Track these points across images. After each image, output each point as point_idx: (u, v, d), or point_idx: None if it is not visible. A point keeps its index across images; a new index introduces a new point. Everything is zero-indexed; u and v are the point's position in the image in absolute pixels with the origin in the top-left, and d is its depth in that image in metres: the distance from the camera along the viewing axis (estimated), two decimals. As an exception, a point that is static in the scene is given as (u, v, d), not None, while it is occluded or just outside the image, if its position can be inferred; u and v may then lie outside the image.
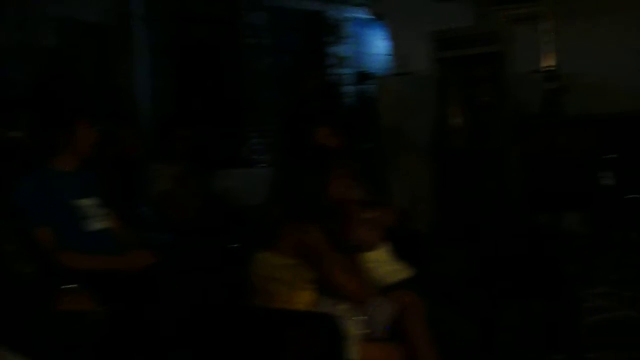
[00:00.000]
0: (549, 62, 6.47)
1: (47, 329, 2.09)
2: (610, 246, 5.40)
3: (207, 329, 2.32)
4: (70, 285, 2.41)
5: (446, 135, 6.02)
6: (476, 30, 6.13)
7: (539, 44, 6.53)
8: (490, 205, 5.58)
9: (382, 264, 3.16)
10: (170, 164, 4.26)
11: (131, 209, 3.98)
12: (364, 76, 7.64)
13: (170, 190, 4.12)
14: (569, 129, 5.94)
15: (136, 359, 2.08)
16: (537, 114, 6.20)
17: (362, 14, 8.49)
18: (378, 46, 8.28)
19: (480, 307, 3.53)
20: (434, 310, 2.90)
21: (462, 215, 5.66)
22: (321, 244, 2.64)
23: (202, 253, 3.47)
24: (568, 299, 3.99)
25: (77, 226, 2.92)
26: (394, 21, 7.62)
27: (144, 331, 2.07)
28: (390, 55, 7.73)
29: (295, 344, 2.47)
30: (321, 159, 2.79)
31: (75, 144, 3.04)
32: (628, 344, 3.59)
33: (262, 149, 7.19)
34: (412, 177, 6.03)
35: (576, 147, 5.73)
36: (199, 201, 4.25)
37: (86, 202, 3.00)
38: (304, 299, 2.71)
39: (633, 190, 5.44)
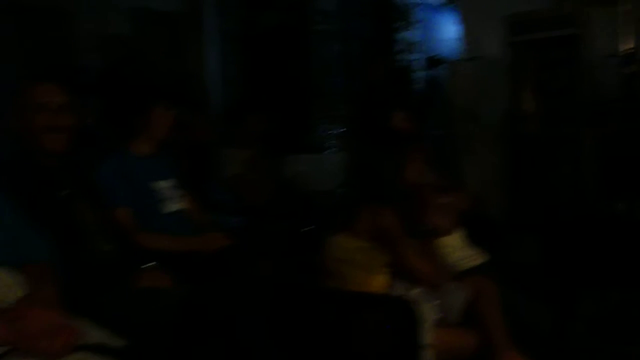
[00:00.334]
0: (627, 45, 6.25)
1: (127, 305, 2.14)
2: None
3: (281, 312, 2.34)
4: (148, 264, 2.47)
5: (520, 120, 5.90)
6: (552, 13, 5.96)
7: (617, 26, 6.31)
8: (565, 192, 5.45)
9: (456, 249, 3.13)
10: (242, 149, 4.31)
11: (203, 193, 4.05)
12: (434, 61, 7.54)
13: (243, 174, 4.17)
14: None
15: (211, 338, 2.10)
16: (615, 98, 6.00)
17: (431, -2, 8.39)
18: (448, 31, 8.16)
19: (555, 295, 3.46)
20: (508, 297, 2.86)
21: (536, 202, 5.54)
22: (396, 227, 2.63)
23: (275, 236, 3.50)
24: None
25: (154, 208, 2.98)
26: (465, 5, 7.48)
27: (220, 311, 2.09)
28: (461, 39, 7.62)
29: (370, 327, 2.48)
30: (397, 142, 2.78)
31: (152, 128, 3.10)
32: None
33: (331, 135, 7.20)
34: (485, 163, 5.93)
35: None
36: (271, 185, 4.29)
37: (163, 185, 3.06)
38: (378, 282, 2.71)
39: None
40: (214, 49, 8.20)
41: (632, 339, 3.41)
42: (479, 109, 6.14)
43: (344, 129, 6.99)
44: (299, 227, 3.70)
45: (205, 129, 4.74)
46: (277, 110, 6.41)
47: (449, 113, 6.45)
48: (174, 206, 3.06)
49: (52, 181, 2.32)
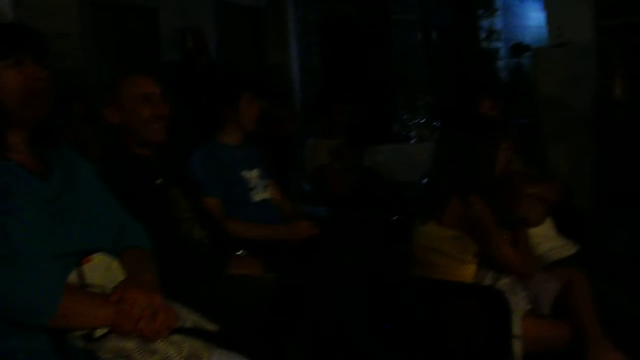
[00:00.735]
0: None
1: (219, 292, 2.19)
2: None
3: (372, 300, 2.35)
4: (240, 252, 2.52)
5: (610, 108, 5.70)
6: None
7: None
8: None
9: (547, 239, 3.06)
10: (327, 139, 4.33)
11: (288, 183, 4.10)
12: (519, 48, 7.38)
13: (327, 164, 4.19)
14: None
15: (302, 325, 2.14)
16: None
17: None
18: (532, 18, 7.96)
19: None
20: (599, 288, 2.79)
21: (627, 190, 5.35)
22: (487, 216, 2.60)
23: (363, 225, 3.51)
24: None
25: (243, 197, 3.04)
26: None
27: (312, 299, 2.12)
28: (545, 26, 7.42)
29: (460, 317, 2.46)
30: (488, 130, 2.73)
31: (239, 119, 3.15)
32: None
33: (413, 124, 7.14)
34: (573, 152, 5.76)
35: None
36: (355, 175, 4.30)
37: (250, 174, 3.11)
38: (466, 271, 2.69)
39: None
40: (296, 41, 8.27)
41: None
42: (567, 97, 5.96)
43: (427, 118, 6.94)
44: (385, 216, 3.70)
45: (289, 120, 4.80)
46: (360, 100, 6.43)
47: (535, 101, 6.29)
48: (261, 195, 3.11)
49: (148, 170, 2.40)
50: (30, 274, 1.52)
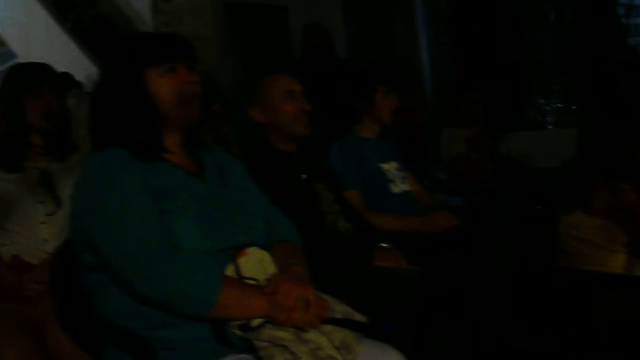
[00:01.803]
0: None
1: (365, 284, 2.23)
2: None
3: (518, 291, 2.31)
4: (384, 244, 2.55)
5: None
6: None
7: None
8: None
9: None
10: (462, 128, 4.27)
11: (424, 174, 4.09)
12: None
13: (464, 153, 4.14)
14: None
15: (449, 317, 2.14)
16: None
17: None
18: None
19: None
20: None
21: None
22: (637, 204, 2.49)
23: (506, 214, 3.45)
24: None
25: (382, 189, 3.06)
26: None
27: (457, 290, 2.11)
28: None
29: (609, 308, 2.38)
30: (637, 115, 2.61)
31: (376, 112, 3.18)
32: None
33: (549, 109, 6.90)
34: None
35: None
36: (493, 164, 4.22)
37: (389, 166, 3.14)
38: (615, 261, 2.59)
39: None
40: (424, 30, 8.20)
41: None
42: None
43: (564, 103, 6.67)
44: (527, 205, 3.61)
45: (420, 110, 4.77)
46: (493, 86, 6.28)
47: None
48: (400, 187, 3.13)
49: (293, 166, 2.48)
50: (192, 268, 1.61)
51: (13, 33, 9.60)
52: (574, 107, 6.19)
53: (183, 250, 1.64)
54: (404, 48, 7.95)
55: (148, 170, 1.73)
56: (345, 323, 1.72)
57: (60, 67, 2.72)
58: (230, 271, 1.69)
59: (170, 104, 1.78)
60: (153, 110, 1.77)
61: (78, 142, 2.68)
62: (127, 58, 1.82)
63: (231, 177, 1.92)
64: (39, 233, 2.50)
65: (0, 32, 10.25)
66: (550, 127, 6.39)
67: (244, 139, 3.33)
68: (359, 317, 1.79)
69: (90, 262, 1.72)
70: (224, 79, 6.73)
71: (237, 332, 1.64)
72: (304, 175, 2.47)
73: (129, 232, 1.62)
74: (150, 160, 1.75)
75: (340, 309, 1.78)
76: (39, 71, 2.61)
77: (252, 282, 1.71)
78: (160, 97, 1.78)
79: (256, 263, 1.74)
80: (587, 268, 2.58)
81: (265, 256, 1.77)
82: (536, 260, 2.81)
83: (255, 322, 1.64)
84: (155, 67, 1.78)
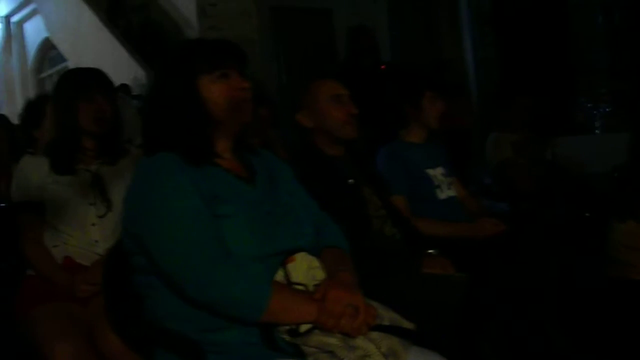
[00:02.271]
0: None
1: (412, 290, 2.22)
2: None
3: (568, 299, 2.28)
4: (431, 250, 2.54)
5: None
6: None
7: None
8: None
9: None
10: (510, 133, 4.22)
11: (469, 179, 4.05)
12: None
13: (511, 158, 4.08)
14: None
15: (496, 325, 2.12)
16: None
17: None
18: None
19: None
20: None
21: None
22: None
23: (555, 221, 3.40)
24: None
25: (429, 194, 3.05)
26: None
27: (506, 298, 2.09)
28: None
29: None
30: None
31: (423, 116, 3.17)
32: None
33: (598, 113, 6.77)
34: None
35: None
36: (541, 169, 4.15)
37: (435, 172, 3.12)
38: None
39: None
40: (469, 32, 8.14)
41: None
42: None
43: (613, 107, 6.54)
44: (576, 212, 3.55)
45: (466, 114, 4.73)
46: (540, 90, 6.18)
47: None
48: (446, 193, 3.11)
49: (340, 170, 2.49)
50: (243, 273, 1.63)
51: (63, 37, 9.87)
52: (622, 111, 6.06)
53: (234, 255, 1.66)
54: (449, 51, 7.91)
55: (200, 175, 1.75)
56: (393, 330, 1.72)
57: (108, 71, 2.77)
58: (279, 276, 1.70)
59: (222, 109, 1.81)
60: (205, 116, 1.80)
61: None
62: (180, 65, 1.84)
63: (281, 181, 1.94)
64: (90, 234, 2.54)
65: (51, 36, 10.55)
66: (598, 131, 6.26)
67: (290, 142, 3.35)
68: (406, 324, 1.79)
69: (142, 265, 1.75)
70: (269, 82, 6.79)
71: (286, 337, 1.66)
72: (351, 180, 2.47)
73: (181, 236, 1.65)
74: (202, 165, 1.78)
75: (388, 316, 1.78)
76: (92, 76, 2.66)
77: (300, 287, 1.72)
78: (213, 103, 1.80)
79: (305, 269, 1.75)
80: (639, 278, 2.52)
81: (314, 262, 1.78)
82: (585, 269, 2.76)
83: (304, 327, 1.65)
84: (208, 74, 1.80)
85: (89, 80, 2.62)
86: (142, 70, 7.34)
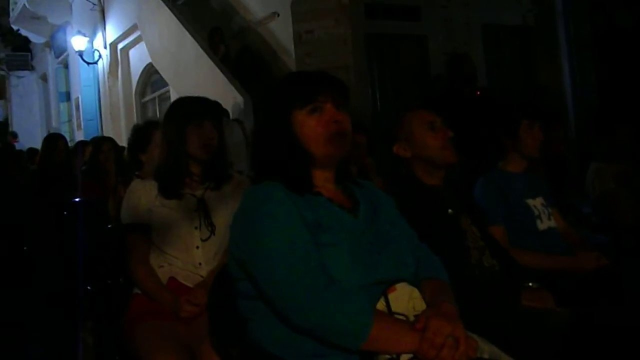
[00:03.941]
0: None
1: (512, 324, 2.19)
2: None
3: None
4: (531, 283, 2.50)
5: None
6: None
7: None
8: None
9: None
10: (612, 163, 4.08)
11: (568, 209, 3.94)
12: None
13: (614, 189, 3.95)
14: None
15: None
16: None
17: None
18: None
19: None
20: None
21: None
22: None
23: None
24: None
25: (528, 225, 3.00)
26: None
27: (612, 335, 2.03)
28: None
29: None
30: None
31: (521, 146, 3.13)
32: None
33: None
34: None
35: None
36: (644, 202, 4.00)
37: (535, 202, 3.07)
38: None
39: None
40: (565, 58, 7.98)
41: None
42: None
43: None
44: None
45: (562, 141, 4.62)
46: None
47: None
48: (546, 224, 3.05)
49: (440, 200, 2.49)
50: (346, 301, 1.66)
51: (165, 63, 10.27)
52: None
53: (337, 283, 1.69)
54: (545, 76, 7.76)
55: (303, 203, 1.80)
56: (493, 363, 1.71)
57: (208, 96, 2.89)
58: (380, 306, 1.73)
59: (316, 143, 1.86)
60: (301, 150, 1.86)
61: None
62: (276, 100, 1.92)
63: (382, 212, 1.97)
64: (194, 257, 2.63)
65: (154, 62, 11.00)
66: None
67: (385, 172, 3.37)
68: (506, 358, 1.77)
69: (247, 290, 1.81)
70: (364, 108, 6.84)
71: (386, 365, 1.67)
72: (450, 210, 2.47)
73: (286, 263, 1.69)
74: (305, 194, 1.83)
75: (488, 349, 1.78)
76: (201, 105, 2.78)
77: (401, 317, 1.74)
78: (307, 137, 1.86)
79: (406, 299, 1.76)
80: None
81: (415, 292, 1.79)
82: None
83: (405, 357, 1.66)
84: (300, 109, 1.86)
85: (198, 108, 2.73)
86: (240, 95, 7.55)
